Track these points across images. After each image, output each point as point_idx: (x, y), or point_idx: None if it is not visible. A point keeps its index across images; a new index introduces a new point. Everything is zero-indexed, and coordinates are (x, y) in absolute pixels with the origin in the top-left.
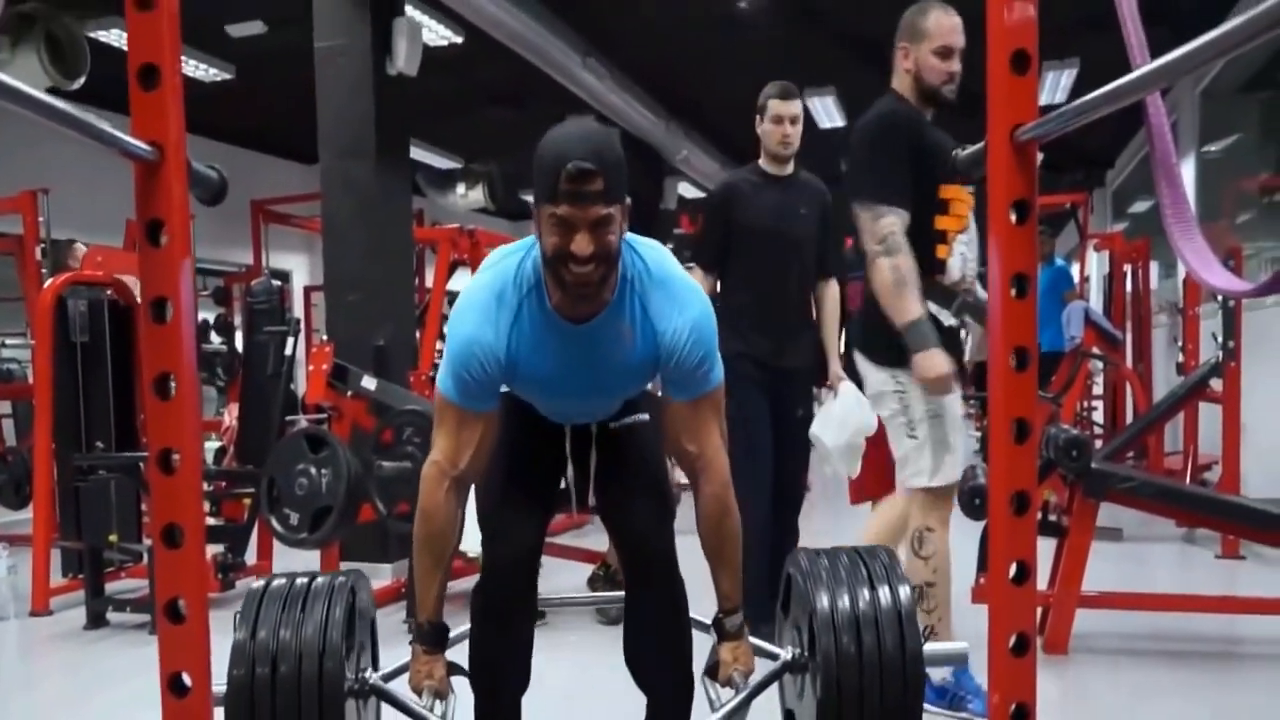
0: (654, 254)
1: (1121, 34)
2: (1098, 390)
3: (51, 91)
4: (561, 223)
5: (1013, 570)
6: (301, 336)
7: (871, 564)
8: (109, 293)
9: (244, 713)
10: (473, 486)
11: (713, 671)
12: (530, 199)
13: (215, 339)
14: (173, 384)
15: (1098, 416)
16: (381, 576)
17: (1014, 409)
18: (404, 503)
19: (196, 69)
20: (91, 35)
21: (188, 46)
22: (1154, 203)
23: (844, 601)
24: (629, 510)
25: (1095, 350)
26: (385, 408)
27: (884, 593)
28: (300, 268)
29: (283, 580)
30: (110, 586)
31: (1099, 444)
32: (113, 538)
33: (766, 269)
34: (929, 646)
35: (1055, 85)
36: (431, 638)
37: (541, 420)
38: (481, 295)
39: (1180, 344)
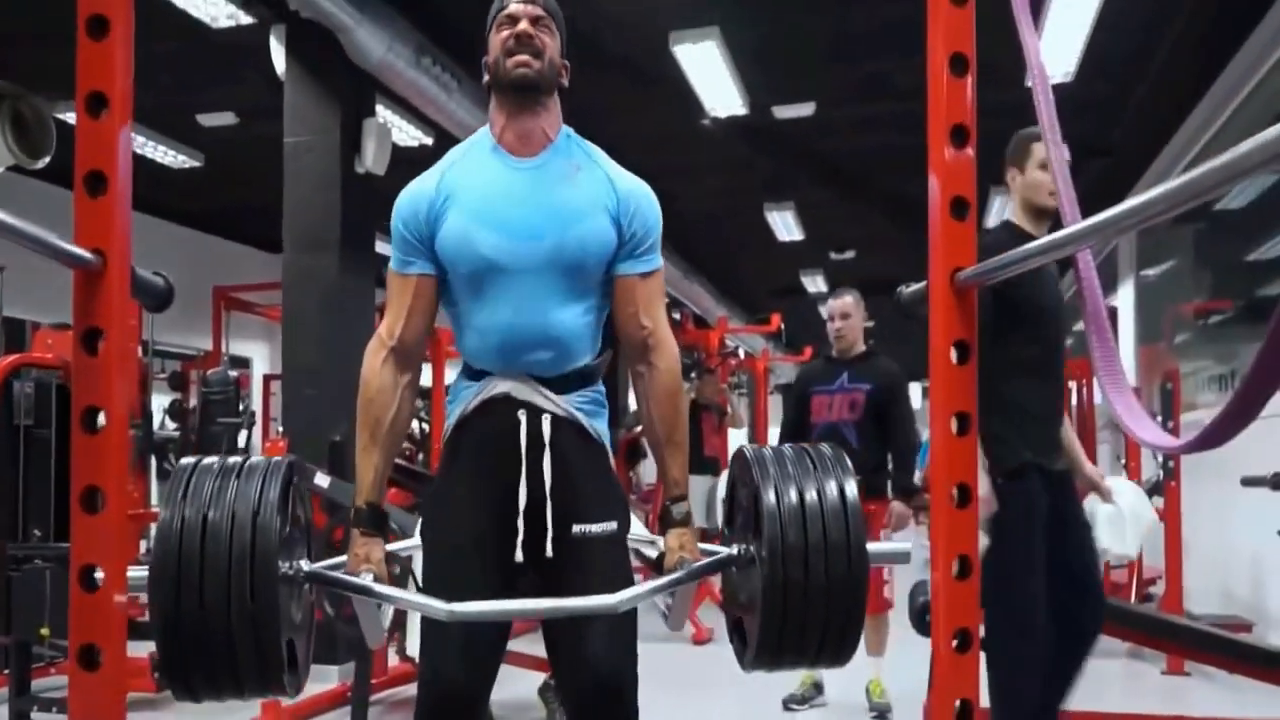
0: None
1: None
2: None
3: (14, 170)
4: (507, 19)
5: (957, 707)
6: (259, 426)
7: (817, 458)
8: (59, 376)
9: (168, 596)
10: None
11: (659, 563)
12: None
13: (170, 425)
14: (101, 499)
15: None
16: (328, 679)
17: (956, 545)
18: (350, 606)
19: (165, 155)
20: (60, 116)
21: (157, 134)
22: None
23: (790, 495)
24: (586, 628)
25: None
26: (337, 506)
27: (829, 486)
28: (261, 355)
29: (214, 459)
30: (38, 684)
31: None
32: (44, 632)
33: (1057, 354)
34: (873, 545)
35: (1004, 209)
36: (369, 519)
37: (488, 502)
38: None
39: (1123, 462)
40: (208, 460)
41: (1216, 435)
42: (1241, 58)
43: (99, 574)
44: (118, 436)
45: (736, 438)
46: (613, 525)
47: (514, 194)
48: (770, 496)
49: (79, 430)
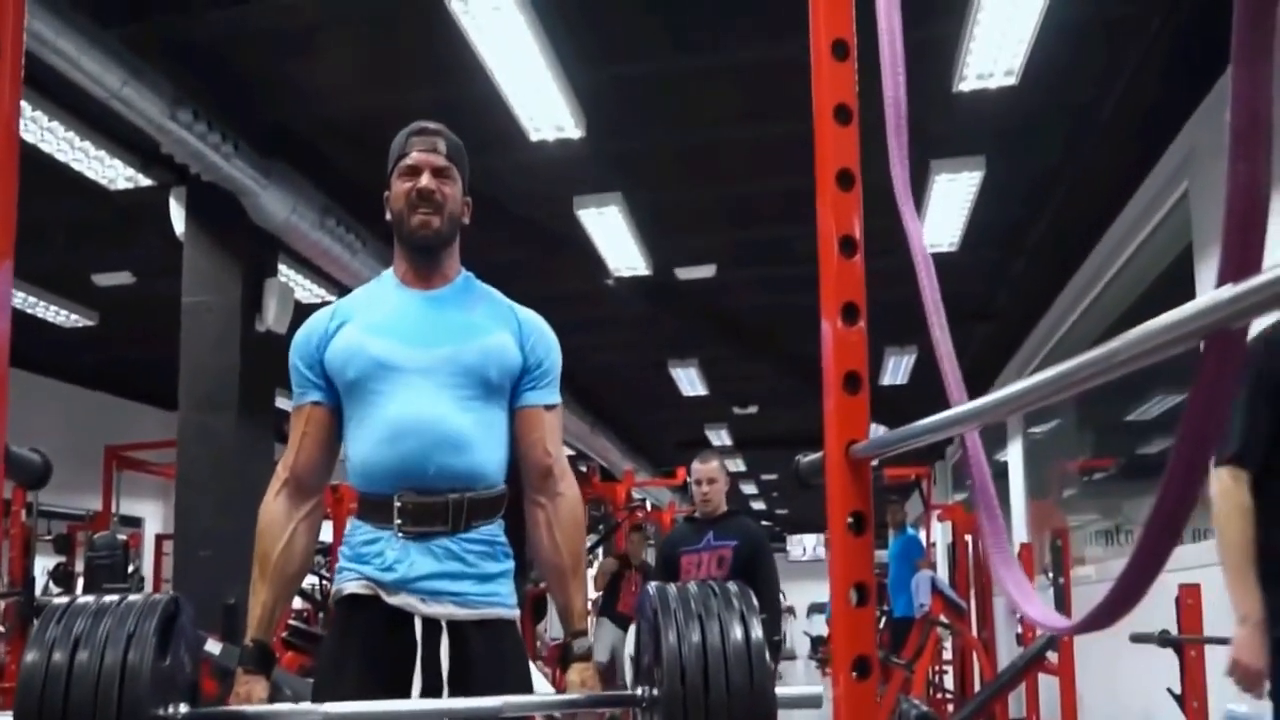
0: None
1: (950, 324)
2: (948, 656)
3: None
4: (408, 170)
5: None
6: (149, 588)
7: (721, 594)
8: None
9: None
10: None
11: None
12: None
13: (53, 589)
14: None
15: (948, 681)
16: None
17: (857, 716)
18: None
19: (57, 315)
20: None
21: (50, 293)
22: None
23: (693, 636)
24: None
25: (942, 618)
26: (229, 672)
27: (734, 626)
28: (154, 515)
29: (89, 598)
30: None
31: (951, 709)
32: None
33: None
34: (782, 688)
35: (897, 369)
36: (254, 657)
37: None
38: None
39: (1018, 616)
40: (82, 599)
41: (1104, 616)
42: (1114, 231)
43: None
44: None
45: None
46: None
47: (412, 312)
48: (672, 637)
49: None
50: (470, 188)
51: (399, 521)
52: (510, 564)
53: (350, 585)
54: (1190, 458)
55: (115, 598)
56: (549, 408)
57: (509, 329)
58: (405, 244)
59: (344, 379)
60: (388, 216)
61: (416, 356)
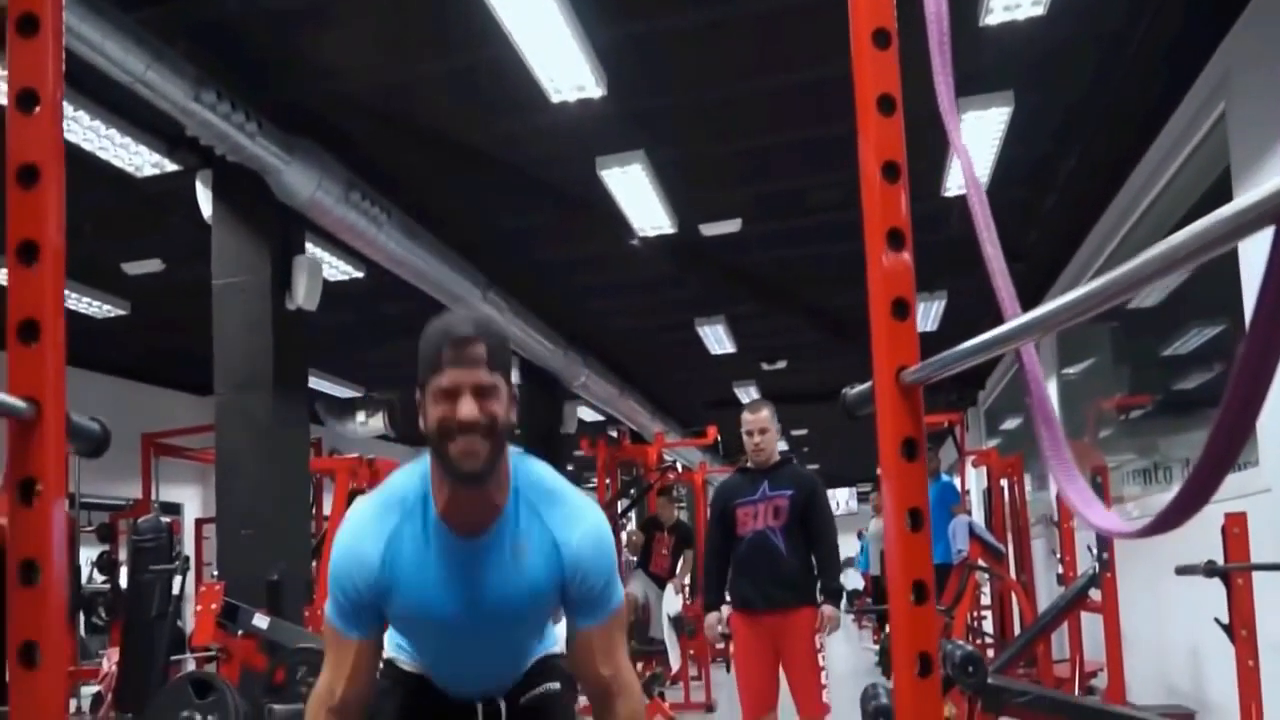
0: (544, 467)
1: (980, 272)
2: (986, 601)
3: None
4: (446, 393)
5: None
6: (191, 573)
7: None
8: None
9: None
10: None
11: (677, 623)
12: None
13: (98, 578)
14: (39, 654)
15: (988, 626)
16: None
17: (918, 642)
18: None
19: (90, 306)
20: None
21: (82, 284)
22: (1023, 419)
23: None
24: None
25: (980, 563)
26: (277, 646)
27: None
28: (192, 500)
29: None
30: None
31: (991, 654)
32: None
33: None
34: None
35: (926, 315)
36: None
37: (444, 702)
38: (365, 510)
39: (1058, 555)
40: None
41: (1173, 517)
42: (1147, 161)
43: None
44: (56, 589)
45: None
46: (555, 685)
47: (457, 583)
48: None
49: (15, 584)
50: (492, 154)
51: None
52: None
53: (404, 665)
54: (1268, 328)
55: None
56: (601, 624)
57: (553, 572)
58: (447, 473)
59: (398, 626)
60: (423, 427)
61: (470, 631)
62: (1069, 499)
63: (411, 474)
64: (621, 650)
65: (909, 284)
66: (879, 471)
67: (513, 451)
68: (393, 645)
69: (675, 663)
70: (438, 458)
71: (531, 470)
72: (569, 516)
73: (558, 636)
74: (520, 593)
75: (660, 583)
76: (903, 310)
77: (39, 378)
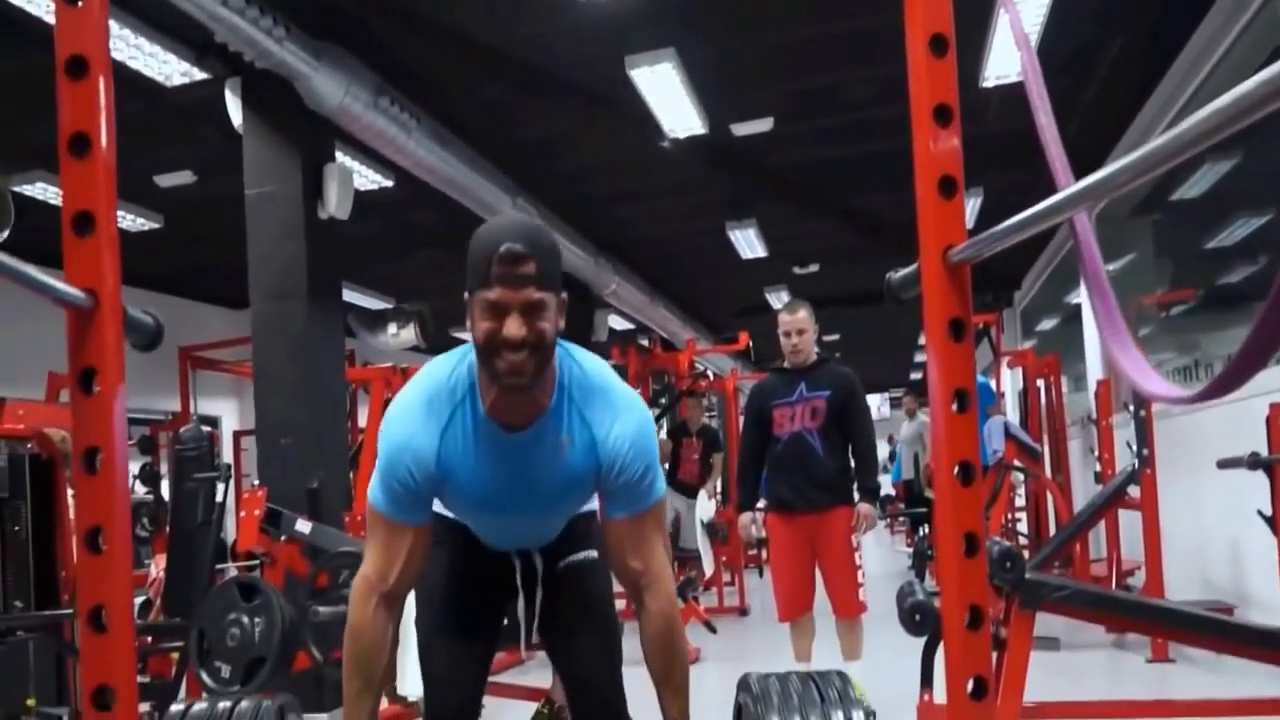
0: (592, 362)
1: (1017, 168)
2: (1020, 502)
3: None
4: (493, 307)
5: (971, 685)
6: (232, 483)
7: (824, 688)
8: (30, 446)
9: None
10: (414, 628)
11: (712, 530)
12: (463, 336)
13: (140, 489)
14: (103, 539)
15: (1023, 527)
16: None
17: (963, 523)
18: (340, 649)
19: (123, 219)
20: (15, 189)
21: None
22: (1059, 320)
23: None
24: (575, 652)
25: (1016, 463)
26: (319, 551)
27: (837, 718)
28: (229, 413)
29: (204, 705)
30: None
31: (1026, 554)
32: (30, 702)
33: None
34: None
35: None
36: None
37: (485, 552)
38: (413, 402)
39: (1096, 454)
40: (197, 709)
41: (1230, 380)
42: (1192, 45)
43: (106, 613)
44: (119, 475)
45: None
46: (593, 553)
47: (505, 475)
48: None
49: (79, 472)
50: (520, 56)
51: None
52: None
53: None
54: None
55: (227, 706)
56: (636, 516)
57: (592, 465)
58: (493, 383)
59: (449, 507)
60: (470, 335)
61: (515, 518)
62: (1123, 367)
63: (457, 364)
64: (655, 545)
65: (956, 162)
66: (920, 375)
67: (560, 347)
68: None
69: (709, 568)
70: (484, 366)
71: (577, 366)
72: (611, 414)
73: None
74: (561, 481)
75: (690, 491)
76: (950, 188)
77: (95, 268)
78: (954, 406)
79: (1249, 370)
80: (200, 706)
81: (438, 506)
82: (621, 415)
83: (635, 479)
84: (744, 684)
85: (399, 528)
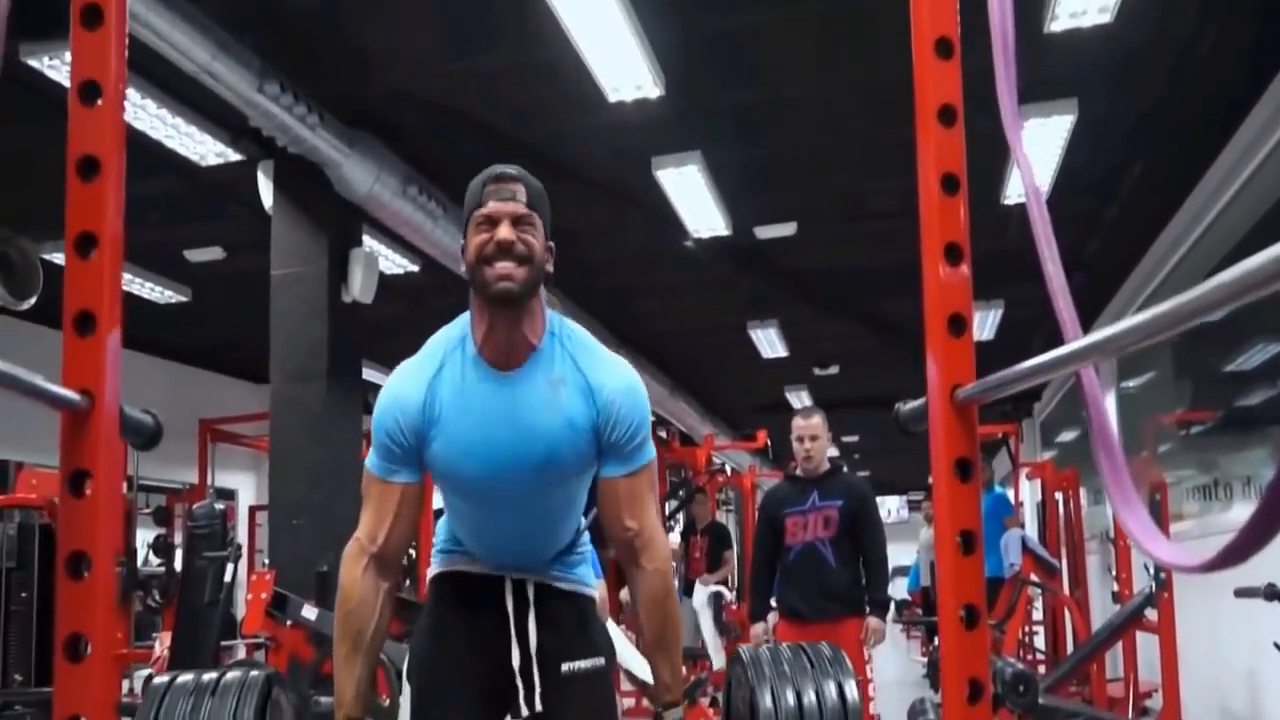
0: (582, 330)
1: (1039, 282)
2: (1038, 616)
3: (1, 311)
4: (485, 220)
5: None
6: (244, 559)
7: (815, 657)
8: (42, 516)
9: None
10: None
11: (651, 690)
12: None
13: (153, 560)
14: (85, 646)
15: (1039, 642)
16: None
17: (966, 667)
18: None
19: (152, 291)
20: (46, 257)
21: (145, 270)
22: (1080, 432)
23: (788, 698)
24: None
25: (1034, 578)
26: (325, 638)
27: (829, 687)
28: (247, 486)
29: (190, 675)
30: None
31: (1042, 670)
32: None
33: None
34: None
35: (983, 323)
36: None
37: (482, 641)
38: (407, 363)
39: (1114, 573)
40: (181, 679)
41: (1238, 553)
42: (1214, 172)
43: None
44: (104, 582)
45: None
46: (600, 661)
47: (495, 418)
48: (767, 700)
49: (64, 576)
50: (547, 152)
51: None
52: (586, 557)
53: (442, 568)
54: None
55: (213, 676)
56: (631, 474)
57: (589, 416)
58: (483, 298)
59: (441, 481)
60: (462, 270)
61: (506, 482)
62: (1130, 531)
63: (451, 325)
64: (650, 505)
65: (966, 299)
66: (930, 480)
67: (553, 315)
68: (435, 549)
69: (718, 662)
70: (475, 285)
71: (570, 326)
72: (605, 367)
73: (600, 592)
74: (557, 425)
75: (690, 587)
76: (959, 326)
77: (93, 369)
78: (960, 548)
79: (1255, 545)
80: (186, 676)
81: (435, 560)
82: (615, 367)
83: (633, 429)
84: (735, 658)
85: (388, 488)
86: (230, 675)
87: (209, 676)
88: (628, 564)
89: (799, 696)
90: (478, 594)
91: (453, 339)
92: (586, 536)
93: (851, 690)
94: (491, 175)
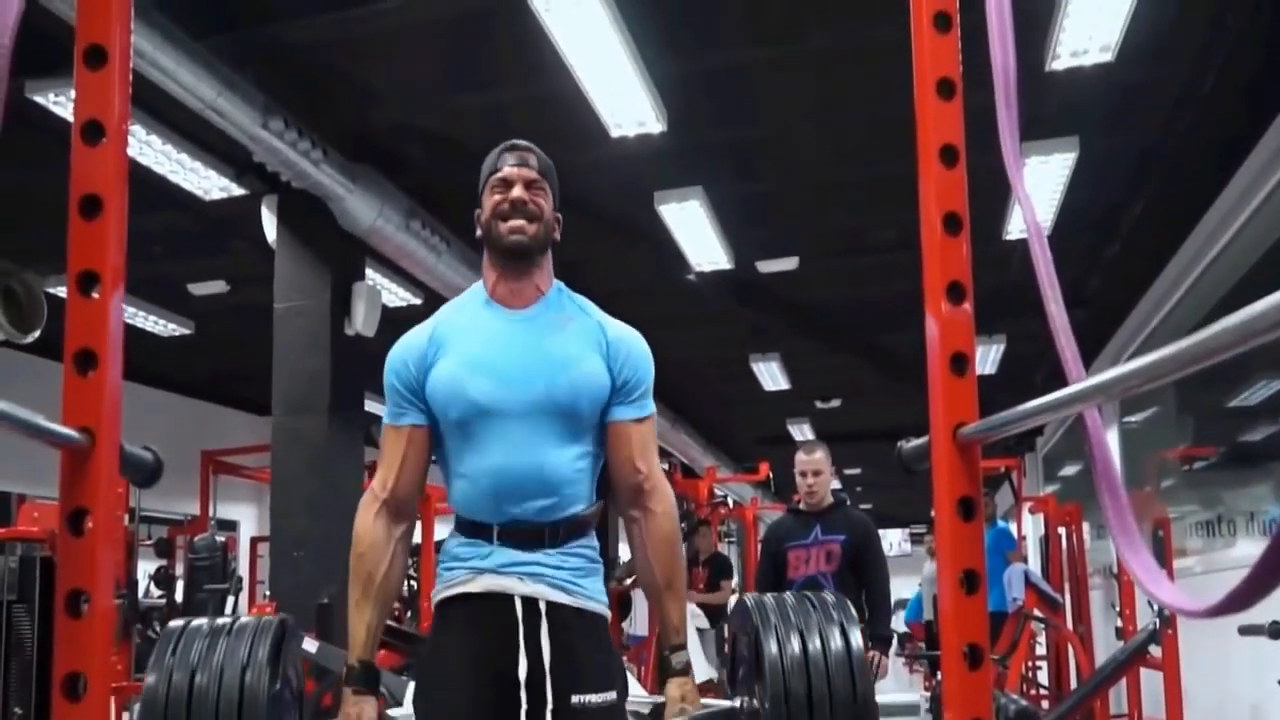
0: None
1: (1041, 318)
2: (1041, 651)
3: (4, 344)
4: (501, 183)
5: None
6: (245, 591)
7: (819, 604)
8: (44, 549)
9: None
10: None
11: (659, 712)
12: None
13: (154, 591)
14: (84, 686)
15: (1042, 677)
16: None
17: (971, 708)
18: None
19: (155, 324)
20: (50, 290)
21: (148, 303)
22: (1082, 466)
23: (794, 644)
24: None
25: (1036, 612)
26: (325, 671)
27: (833, 634)
28: (249, 518)
29: (202, 621)
30: None
31: (1045, 705)
32: None
33: None
34: (881, 697)
35: (985, 358)
36: (361, 677)
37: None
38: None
39: (1118, 608)
40: (196, 622)
41: (1242, 599)
42: (1215, 210)
43: None
44: (102, 620)
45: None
46: (612, 695)
47: (505, 341)
48: (772, 646)
49: (62, 614)
50: (556, 178)
51: (499, 540)
52: (599, 568)
53: (448, 590)
54: None
55: (228, 620)
56: (639, 420)
57: (598, 350)
58: (497, 250)
59: (446, 418)
60: (478, 233)
61: (513, 399)
62: (1134, 573)
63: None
64: (655, 455)
65: (969, 338)
66: (933, 514)
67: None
68: (440, 573)
69: (702, 674)
70: (490, 240)
71: (577, 294)
72: (611, 319)
73: (605, 597)
74: (568, 348)
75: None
76: (961, 365)
77: (94, 408)
78: (963, 588)
79: (1259, 592)
80: (200, 620)
81: (440, 586)
82: (624, 325)
83: (641, 372)
84: (740, 604)
85: (397, 432)
86: (245, 619)
87: (223, 620)
88: (635, 508)
89: (804, 642)
90: (485, 615)
91: (462, 297)
92: (596, 546)
93: (856, 637)
94: (506, 145)
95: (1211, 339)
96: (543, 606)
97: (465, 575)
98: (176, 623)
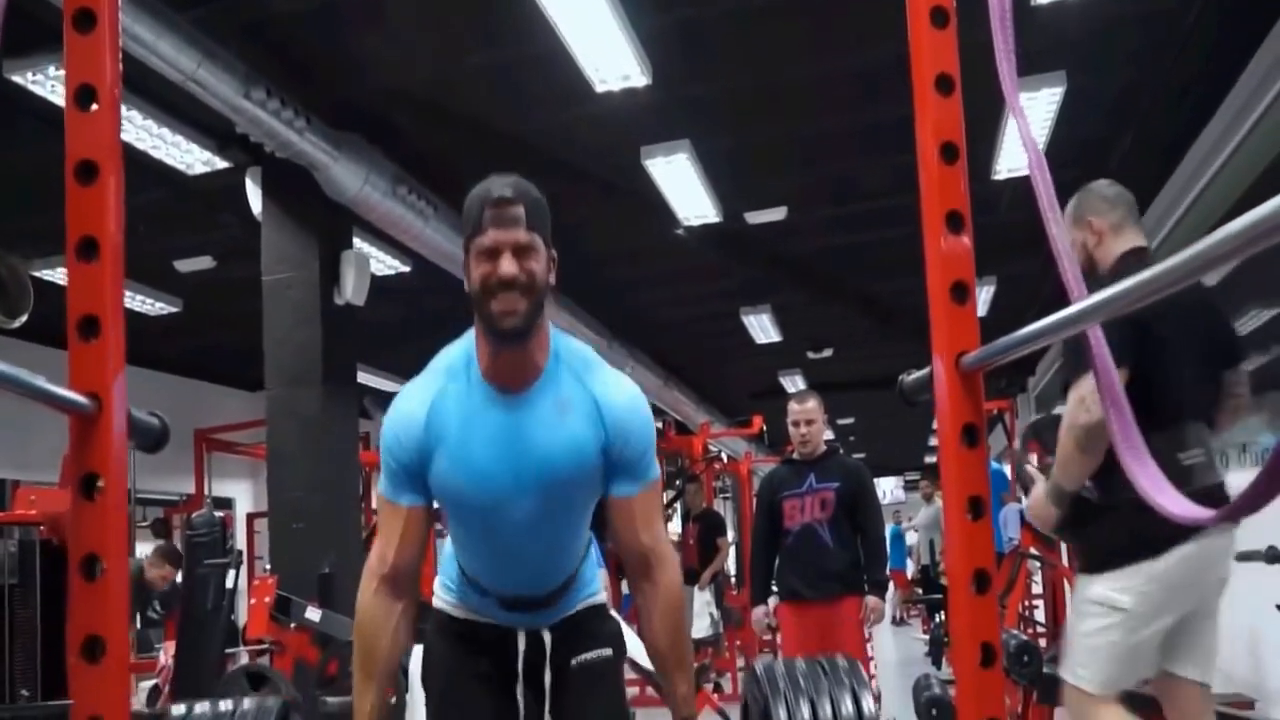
0: (583, 345)
1: (1031, 258)
2: (1037, 589)
3: None
4: (486, 252)
5: None
6: (244, 566)
7: (830, 669)
8: (41, 530)
9: None
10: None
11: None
12: None
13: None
14: (103, 647)
15: (1039, 615)
16: None
17: (980, 633)
18: None
19: (143, 304)
20: (36, 274)
21: (135, 282)
22: None
23: (803, 712)
24: None
25: (1033, 550)
26: (330, 639)
27: (845, 700)
28: (244, 495)
29: (206, 705)
30: None
31: (1044, 644)
32: None
33: None
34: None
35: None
36: None
37: (490, 638)
38: (413, 381)
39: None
40: (199, 709)
41: (1247, 505)
42: (1201, 142)
43: None
44: (118, 583)
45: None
46: (608, 651)
47: (505, 440)
48: (781, 714)
49: (77, 579)
50: (537, 145)
51: (501, 605)
52: (596, 561)
53: (450, 610)
54: None
55: (229, 706)
56: (641, 492)
57: (596, 432)
58: (488, 331)
59: (447, 506)
60: (467, 288)
61: (511, 508)
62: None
63: (457, 344)
64: (659, 522)
65: (969, 267)
66: (934, 458)
67: (554, 328)
68: (440, 586)
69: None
70: (480, 317)
71: (572, 343)
72: (610, 383)
73: (602, 582)
74: (564, 449)
75: (690, 575)
76: (962, 294)
77: (100, 373)
78: (969, 514)
79: (1265, 497)
80: (203, 707)
81: (440, 595)
82: (619, 382)
83: (641, 450)
84: (750, 673)
85: (395, 509)
86: (247, 704)
87: (225, 708)
88: (643, 579)
89: (814, 710)
90: (485, 641)
91: (457, 359)
92: (592, 545)
93: (867, 702)
94: (490, 199)
95: (1209, 249)
96: (546, 637)
97: (466, 612)
98: (178, 710)
